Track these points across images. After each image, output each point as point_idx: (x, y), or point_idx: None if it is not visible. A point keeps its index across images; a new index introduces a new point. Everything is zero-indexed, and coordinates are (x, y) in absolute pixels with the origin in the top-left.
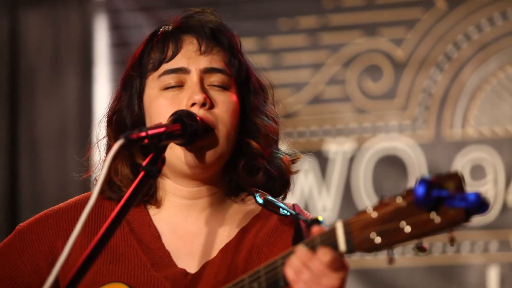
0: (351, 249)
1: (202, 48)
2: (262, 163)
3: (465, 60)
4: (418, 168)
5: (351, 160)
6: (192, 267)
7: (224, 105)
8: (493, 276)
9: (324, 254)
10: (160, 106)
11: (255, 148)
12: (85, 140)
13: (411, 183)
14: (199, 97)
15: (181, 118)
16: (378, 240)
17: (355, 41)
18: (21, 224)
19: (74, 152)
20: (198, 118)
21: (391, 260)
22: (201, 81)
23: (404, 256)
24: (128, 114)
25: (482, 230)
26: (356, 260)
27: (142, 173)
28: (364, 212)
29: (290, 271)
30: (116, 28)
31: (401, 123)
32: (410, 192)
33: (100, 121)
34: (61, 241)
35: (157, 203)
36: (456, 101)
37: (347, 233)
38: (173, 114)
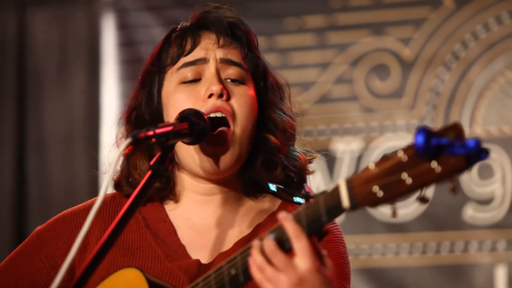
0: (354, 205)
1: (220, 42)
2: (280, 158)
3: (473, 59)
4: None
5: (359, 159)
6: (205, 258)
7: (242, 98)
8: (501, 275)
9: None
10: (177, 99)
11: (273, 143)
12: (92, 140)
13: None
14: (216, 87)
15: (189, 116)
16: (380, 193)
17: (362, 40)
18: (39, 226)
19: (81, 151)
20: (205, 117)
21: (394, 214)
22: (218, 72)
23: (412, 255)
24: (146, 109)
25: (490, 229)
26: (363, 259)
27: (149, 172)
28: (366, 168)
29: (253, 269)
30: (123, 28)
31: (409, 122)
32: (411, 145)
33: (120, 118)
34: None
35: (175, 198)
36: (464, 100)
37: (350, 189)
38: (180, 113)
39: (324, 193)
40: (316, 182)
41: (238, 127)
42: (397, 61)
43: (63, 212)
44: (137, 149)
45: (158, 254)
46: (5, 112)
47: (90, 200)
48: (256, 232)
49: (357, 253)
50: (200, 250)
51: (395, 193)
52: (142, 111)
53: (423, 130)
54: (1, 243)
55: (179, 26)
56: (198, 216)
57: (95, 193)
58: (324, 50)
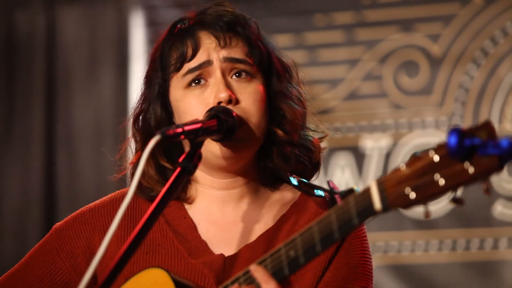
0: (386, 207)
1: (221, 43)
2: (290, 150)
3: (502, 56)
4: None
5: (388, 156)
6: (229, 252)
7: (251, 96)
8: None
9: None
10: (187, 106)
11: (280, 136)
12: (120, 137)
13: None
14: (224, 95)
15: (218, 114)
16: (413, 195)
17: (391, 37)
18: (57, 223)
19: (110, 149)
20: (234, 114)
21: (427, 214)
22: (224, 76)
23: (441, 252)
24: (152, 115)
25: None
26: (393, 256)
27: (178, 169)
28: (397, 169)
29: None
30: (152, 25)
31: (438, 119)
32: (443, 145)
33: (128, 121)
34: (98, 236)
35: (191, 198)
36: (493, 97)
37: (382, 191)
38: (209, 110)
39: (352, 192)
40: (345, 179)
41: (252, 122)
42: (426, 57)
43: (81, 210)
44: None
45: (181, 251)
46: (35, 109)
47: (107, 197)
48: (280, 224)
49: (386, 250)
50: (222, 245)
51: (428, 194)
52: (148, 116)
53: (456, 131)
54: (31, 239)
55: (177, 27)
56: (219, 211)
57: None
58: (352, 47)
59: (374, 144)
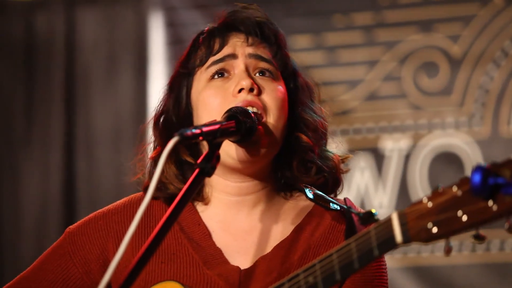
0: (407, 240)
1: (250, 40)
2: (312, 157)
3: None
4: (474, 165)
5: (407, 157)
6: (245, 264)
7: (273, 92)
8: None
9: None
10: (206, 96)
11: (304, 142)
12: (139, 139)
13: None
14: (246, 82)
15: (236, 115)
16: (435, 230)
17: (411, 37)
18: (71, 226)
19: (129, 150)
20: (252, 115)
21: (448, 251)
22: (248, 68)
23: (461, 253)
24: (174, 112)
25: None
26: (412, 257)
27: (197, 170)
28: (419, 202)
29: None
30: (171, 26)
31: (458, 119)
32: (466, 180)
33: (149, 122)
34: (112, 242)
35: (204, 200)
36: None
37: (403, 223)
38: (227, 111)
39: (371, 216)
40: (365, 180)
41: (271, 119)
42: (445, 58)
43: (94, 215)
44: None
45: (196, 260)
46: (54, 111)
47: (120, 201)
48: (295, 235)
49: (406, 251)
50: (237, 254)
51: (450, 230)
52: (169, 115)
53: (480, 169)
54: (50, 242)
55: (206, 28)
56: (233, 218)
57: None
58: (372, 48)
59: (393, 145)
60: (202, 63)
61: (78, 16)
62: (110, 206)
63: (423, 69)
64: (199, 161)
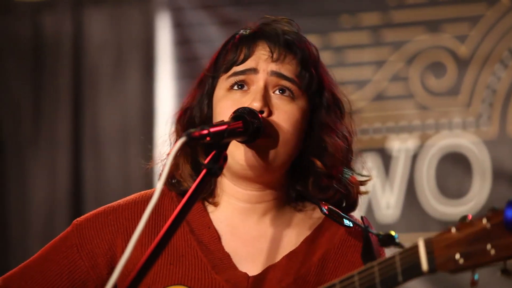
0: (433, 269)
1: (274, 56)
2: (328, 183)
3: None
4: (482, 165)
5: (415, 157)
6: (252, 270)
7: (286, 114)
8: None
9: None
10: (223, 106)
11: (318, 168)
12: (147, 139)
13: (475, 180)
14: (257, 104)
15: (243, 115)
16: (461, 261)
17: (418, 37)
18: (78, 218)
19: (137, 151)
20: (260, 116)
21: (474, 283)
22: (266, 87)
23: None
24: (197, 112)
25: None
26: None
27: (204, 171)
28: (447, 231)
29: None
30: (178, 26)
31: (465, 120)
32: (496, 213)
33: (172, 116)
34: (121, 238)
35: (215, 201)
36: None
37: (429, 252)
38: (235, 112)
39: (391, 238)
40: (372, 181)
41: (279, 139)
42: (453, 58)
43: (103, 209)
44: (180, 151)
45: (205, 263)
46: (61, 111)
47: (130, 197)
48: (305, 246)
49: None
50: (245, 261)
51: (477, 262)
52: (193, 113)
53: None
54: None
55: (238, 34)
56: (242, 223)
57: None
58: (379, 48)
59: (401, 145)
60: (225, 70)
61: (86, 16)
62: (120, 201)
63: (430, 69)
64: (206, 161)
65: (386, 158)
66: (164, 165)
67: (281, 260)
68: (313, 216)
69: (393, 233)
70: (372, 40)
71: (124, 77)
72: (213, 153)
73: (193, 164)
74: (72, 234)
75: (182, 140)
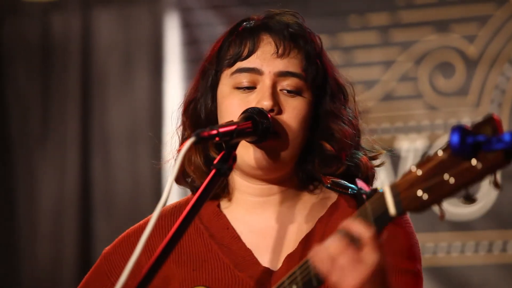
0: (401, 211)
1: (280, 51)
2: (336, 165)
3: None
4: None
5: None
6: (274, 263)
7: (294, 111)
8: None
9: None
10: (230, 105)
11: (328, 150)
12: (156, 139)
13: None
14: (267, 103)
15: (252, 115)
16: (425, 196)
17: (426, 38)
18: (106, 248)
19: (145, 150)
20: (269, 115)
21: (442, 214)
22: (273, 85)
23: (477, 253)
24: (202, 106)
25: None
26: (428, 257)
27: (213, 171)
28: (409, 172)
29: (321, 265)
30: (187, 26)
31: (474, 120)
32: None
33: (178, 108)
34: (145, 256)
35: (228, 196)
36: None
37: (395, 195)
38: (244, 112)
39: (370, 202)
40: (380, 181)
41: (287, 138)
42: (461, 58)
43: (127, 232)
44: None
45: (227, 263)
46: (70, 112)
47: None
48: (319, 226)
49: (421, 252)
50: (266, 254)
51: (439, 194)
52: (198, 106)
53: (458, 129)
54: (67, 242)
55: (241, 26)
56: (258, 218)
57: (159, 192)
58: (388, 48)
59: (409, 146)
60: (229, 65)
61: (94, 17)
62: (141, 221)
63: (439, 69)
64: (215, 161)
65: (394, 158)
66: (174, 164)
67: (297, 247)
68: (327, 195)
69: (379, 188)
70: (381, 40)
71: (132, 77)
72: (222, 153)
73: (205, 159)
74: (101, 263)
75: (191, 140)
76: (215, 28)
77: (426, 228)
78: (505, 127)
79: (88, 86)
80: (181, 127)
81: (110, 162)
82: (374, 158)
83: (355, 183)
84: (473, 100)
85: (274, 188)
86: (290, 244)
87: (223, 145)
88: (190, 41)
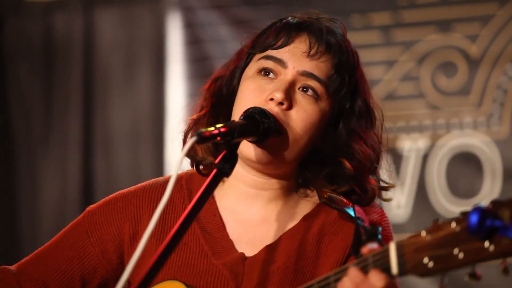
0: (403, 272)
1: (311, 52)
2: (349, 185)
3: None
4: (492, 165)
5: (425, 157)
6: (251, 252)
7: (305, 113)
8: None
9: (377, 280)
10: (246, 88)
11: (347, 169)
12: (158, 138)
13: (486, 180)
14: (279, 95)
15: (253, 115)
16: (431, 264)
17: (429, 37)
18: (91, 206)
19: (147, 150)
20: (274, 113)
21: (442, 286)
22: (292, 81)
23: None
24: (226, 84)
25: None
26: None
27: (214, 171)
28: (417, 235)
29: None
30: (189, 26)
31: (476, 119)
32: (465, 217)
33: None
34: (128, 225)
35: (223, 188)
36: None
37: (400, 255)
38: (245, 111)
39: (375, 232)
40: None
41: (290, 135)
42: (464, 58)
43: (115, 195)
44: (197, 123)
45: (205, 251)
46: (73, 112)
47: (141, 184)
48: (303, 223)
49: None
50: (245, 245)
51: (445, 266)
52: (223, 84)
53: (478, 210)
54: None
55: (286, 20)
56: (246, 210)
57: None
58: (390, 48)
59: (411, 145)
60: (260, 50)
61: (96, 16)
62: (131, 187)
63: (441, 69)
64: (217, 161)
65: (396, 158)
66: (189, 124)
67: (277, 240)
68: (315, 198)
69: (379, 228)
70: (383, 40)
71: (135, 77)
72: (223, 152)
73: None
74: (83, 221)
75: (193, 139)
76: (217, 28)
77: (426, 227)
78: (507, 126)
79: (90, 85)
80: (203, 101)
81: (112, 161)
82: (384, 189)
83: (353, 208)
84: (475, 99)
85: (269, 183)
86: (270, 237)
87: (225, 144)
88: (192, 41)
